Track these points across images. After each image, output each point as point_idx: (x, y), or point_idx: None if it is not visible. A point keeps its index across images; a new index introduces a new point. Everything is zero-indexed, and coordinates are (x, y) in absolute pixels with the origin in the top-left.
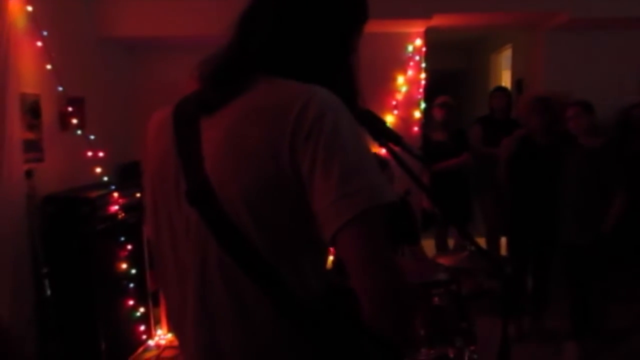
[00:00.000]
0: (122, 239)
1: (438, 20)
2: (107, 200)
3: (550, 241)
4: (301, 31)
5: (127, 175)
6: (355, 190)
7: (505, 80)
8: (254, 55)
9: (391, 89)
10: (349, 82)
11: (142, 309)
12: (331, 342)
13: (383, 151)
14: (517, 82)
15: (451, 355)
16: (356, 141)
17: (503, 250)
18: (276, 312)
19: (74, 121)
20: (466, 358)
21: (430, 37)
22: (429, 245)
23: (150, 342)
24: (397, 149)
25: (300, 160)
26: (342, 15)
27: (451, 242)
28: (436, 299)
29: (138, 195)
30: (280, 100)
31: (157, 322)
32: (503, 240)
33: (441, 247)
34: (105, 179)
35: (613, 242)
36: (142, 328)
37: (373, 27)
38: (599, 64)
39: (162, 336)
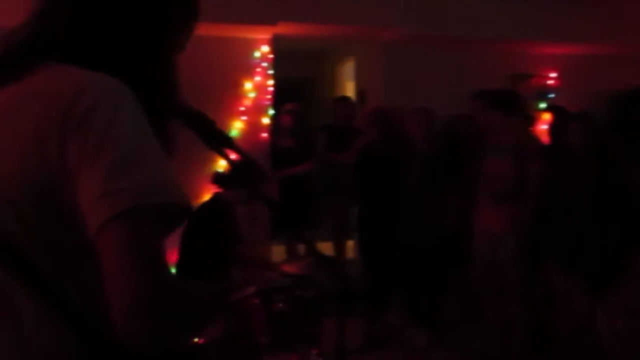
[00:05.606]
0: None
1: (282, 28)
2: None
3: (395, 241)
4: (107, 18)
5: None
6: (121, 187)
7: (350, 90)
8: (47, 40)
9: (239, 95)
10: (165, 78)
11: None
12: None
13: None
14: (360, 92)
15: None
16: (134, 135)
17: (350, 253)
18: (63, 335)
19: None
20: None
21: (278, 45)
22: (280, 251)
23: None
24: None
25: (69, 153)
26: (158, 8)
27: (302, 248)
28: (280, 304)
29: None
30: (55, 86)
31: None
32: (350, 244)
33: (291, 253)
34: None
35: (450, 239)
36: None
37: (218, 31)
38: (432, 77)
39: None
